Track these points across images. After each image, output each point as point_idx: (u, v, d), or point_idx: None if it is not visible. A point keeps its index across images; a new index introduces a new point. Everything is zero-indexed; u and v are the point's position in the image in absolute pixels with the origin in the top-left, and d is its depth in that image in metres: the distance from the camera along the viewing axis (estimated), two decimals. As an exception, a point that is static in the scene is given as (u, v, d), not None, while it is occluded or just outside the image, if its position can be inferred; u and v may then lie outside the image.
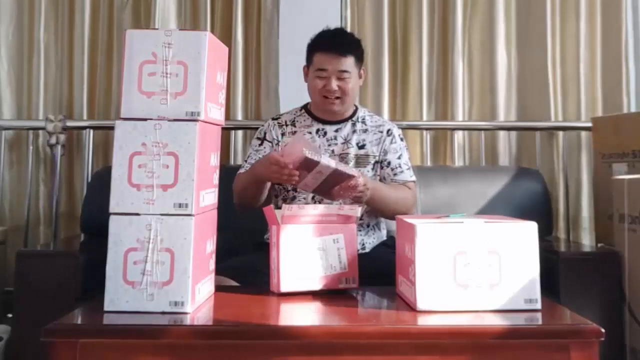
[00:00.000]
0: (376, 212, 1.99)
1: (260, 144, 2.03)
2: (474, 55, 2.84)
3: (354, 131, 2.01)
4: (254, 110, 2.82)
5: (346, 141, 2.00)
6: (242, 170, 1.99)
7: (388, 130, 2.04)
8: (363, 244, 1.98)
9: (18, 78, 2.85)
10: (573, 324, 1.38)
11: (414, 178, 2.03)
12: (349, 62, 1.94)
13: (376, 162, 2.01)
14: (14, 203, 2.79)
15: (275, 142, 2.02)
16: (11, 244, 2.58)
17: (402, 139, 2.07)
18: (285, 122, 2.05)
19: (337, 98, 1.95)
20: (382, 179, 2.01)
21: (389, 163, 2.00)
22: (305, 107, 2.08)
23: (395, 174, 2.00)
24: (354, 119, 2.04)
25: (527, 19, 2.83)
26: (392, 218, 1.90)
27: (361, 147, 2.00)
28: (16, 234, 2.68)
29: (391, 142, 2.02)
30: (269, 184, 1.91)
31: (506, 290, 1.40)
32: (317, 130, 2.01)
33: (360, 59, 1.99)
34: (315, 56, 1.96)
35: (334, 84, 1.93)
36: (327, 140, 2.00)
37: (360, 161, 1.99)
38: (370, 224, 2.02)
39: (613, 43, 2.77)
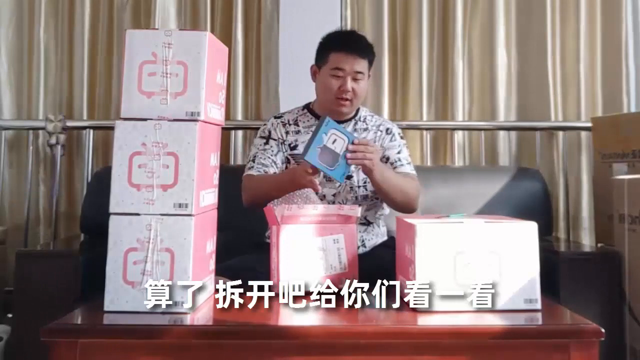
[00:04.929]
0: (384, 196, 1.92)
1: (266, 143, 2.01)
2: (474, 55, 2.84)
3: (355, 130, 2.02)
4: (254, 110, 2.82)
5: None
6: (252, 172, 1.96)
7: (387, 129, 2.04)
8: (363, 241, 1.98)
9: (18, 78, 2.85)
10: (573, 324, 1.38)
11: (415, 173, 2.01)
12: (364, 64, 1.94)
13: None
14: (14, 203, 2.78)
15: (281, 141, 2.01)
16: (11, 244, 2.57)
17: (401, 137, 2.07)
18: (288, 121, 2.05)
19: (349, 100, 1.95)
20: None
21: (387, 158, 1.99)
22: (307, 107, 2.07)
23: (395, 167, 1.98)
24: (355, 118, 2.04)
25: (527, 19, 2.83)
26: (400, 206, 1.92)
27: None
28: (16, 234, 2.68)
29: (390, 140, 2.02)
30: None
31: (506, 290, 1.40)
32: None
33: (371, 63, 2.00)
34: (331, 55, 1.94)
35: (349, 85, 1.92)
36: None
37: None
38: (370, 221, 2.02)
39: (613, 43, 2.77)
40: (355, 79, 1.93)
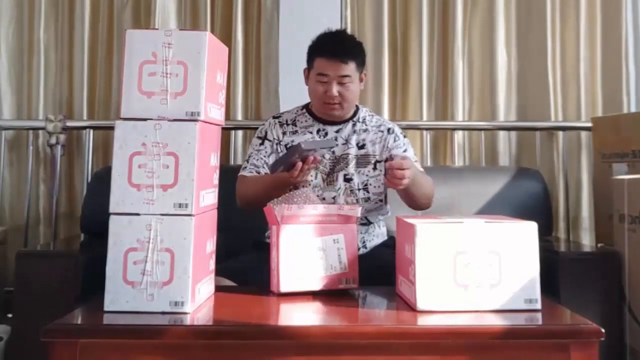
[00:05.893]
0: (411, 199, 1.90)
1: (261, 143, 2.02)
2: (474, 55, 2.84)
3: (354, 131, 2.01)
4: (254, 110, 2.82)
5: (346, 142, 2.00)
6: (245, 173, 1.97)
7: (389, 129, 2.03)
8: (364, 242, 1.98)
9: (18, 78, 2.85)
10: (573, 324, 1.38)
11: (423, 170, 1.99)
12: (350, 68, 1.91)
13: (377, 161, 2.00)
14: (14, 203, 2.79)
15: (276, 141, 2.01)
16: (11, 244, 2.57)
17: (404, 136, 2.06)
18: (286, 121, 2.05)
19: (337, 103, 1.94)
20: None
21: (393, 158, 1.95)
22: (307, 107, 2.07)
23: None
24: (354, 119, 2.03)
25: (527, 19, 2.83)
26: (420, 207, 1.94)
27: (361, 147, 2.00)
28: (16, 234, 2.68)
29: (394, 140, 2.01)
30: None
31: (506, 290, 1.40)
32: (318, 131, 2.01)
33: (361, 63, 1.97)
34: (315, 60, 1.94)
35: (335, 90, 1.91)
36: None
37: (360, 161, 1.98)
38: (371, 221, 2.02)
39: (613, 43, 2.77)
40: (341, 83, 1.92)
